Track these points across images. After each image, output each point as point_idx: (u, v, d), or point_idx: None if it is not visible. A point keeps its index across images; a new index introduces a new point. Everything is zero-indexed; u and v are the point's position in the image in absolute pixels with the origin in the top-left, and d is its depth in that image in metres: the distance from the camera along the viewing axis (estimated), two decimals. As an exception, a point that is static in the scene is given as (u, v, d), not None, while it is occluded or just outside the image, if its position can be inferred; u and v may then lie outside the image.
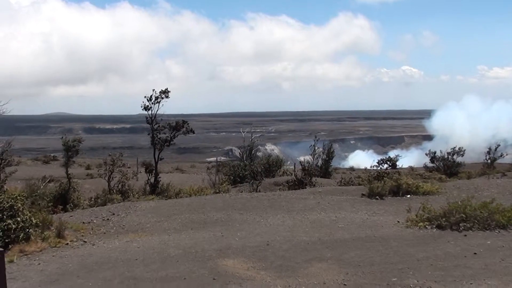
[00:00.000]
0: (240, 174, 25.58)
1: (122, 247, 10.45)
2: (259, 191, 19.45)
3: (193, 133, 21.20)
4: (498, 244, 9.53)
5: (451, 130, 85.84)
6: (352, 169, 44.72)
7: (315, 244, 10.12)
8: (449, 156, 34.26)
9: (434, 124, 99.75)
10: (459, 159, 33.83)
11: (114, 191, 18.37)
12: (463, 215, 10.80)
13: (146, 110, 20.05)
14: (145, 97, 19.92)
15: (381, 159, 25.91)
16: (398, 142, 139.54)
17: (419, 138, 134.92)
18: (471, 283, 7.23)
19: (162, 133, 20.87)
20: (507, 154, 35.30)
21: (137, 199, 17.13)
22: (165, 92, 19.89)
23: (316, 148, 28.73)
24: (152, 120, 20.27)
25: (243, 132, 28.50)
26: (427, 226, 11.04)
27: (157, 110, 20.13)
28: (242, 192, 19.24)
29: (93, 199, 17.35)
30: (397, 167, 39.18)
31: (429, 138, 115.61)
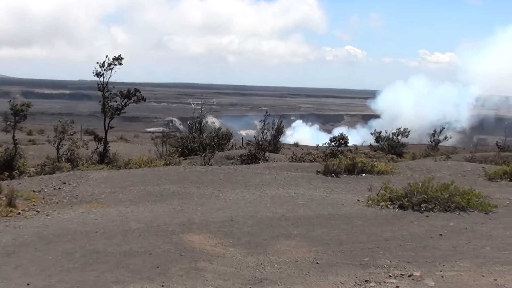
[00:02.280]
0: (189, 146, 25.21)
1: (79, 219, 10.01)
2: (211, 165, 19.16)
3: (144, 101, 20.64)
4: (461, 226, 9.60)
5: (397, 110, 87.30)
6: (296, 145, 44.91)
7: (279, 220, 9.96)
8: (394, 137, 34.83)
9: (381, 104, 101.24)
10: (403, 139, 34.44)
11: (63, 159, 17.69)
12: (425, 196, 10.86)
13: (98, 76, 19.34)
14: (97, 63, 19.21)
15: (333, 137, 25.94)
16: (338, 120, 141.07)
17: (359, 117, 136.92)
18: (443, 265, 7.20)
19: (113, 101, 20.21)
20: (451, 137, 36.16)
21: (86, 168, 16.55)
22: (118, 59, 19.20)
23: (265, 123, 28.59)
24: (104, 87, 19.58)
25: (193, 104, 28.00)
26: (389, 205, 11.03)
27: (109, 77, 19.45)
28: (194, 165, 18.89)
29: (40, 167, 16.64)
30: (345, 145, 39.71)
31: (368, 117, 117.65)
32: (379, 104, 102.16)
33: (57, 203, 11.58)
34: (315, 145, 35.99)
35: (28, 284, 6.56)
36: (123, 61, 19.26)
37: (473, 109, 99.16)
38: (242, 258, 7.62)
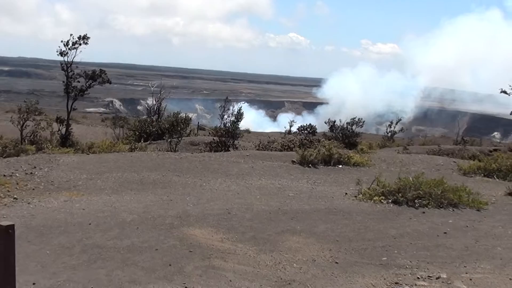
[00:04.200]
0: (147, 130, 24.48)
1: (65, 208, 9.36)
2: (177, 151, 18.58)
3: (110, 83, 19.81)
4: (461, 224, 9.50)
5: (344, 98, 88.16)
6: (248, 131, 44.53)
7: (277, 214, 9.61)
8: (348, 126, 34.88)
9: (327, 91, 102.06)
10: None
11: (26, 141, 16.75)
12: (420, 192, 10.74)
13: (61, 55, 18.37)
14: (61, 41, 18.24)
15: (301, 126, 25.71)
16: (279, 107, 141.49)
17: (299, 105, 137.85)
18: (464, 266, 7.04)
19: (76, 82, 19.29)
20: (415, 130, 36.62)
21: (51, 151, 15.71)
22: (84, 38, 18.30)
23: (225, 108, 28.05)
24: (68, 67, 18.62)
25: (152, 86, 27.18)
26: (382, 200, 10.86)
27: (74, 57, 18.50)
28: (160, 150, 18.24)
29: (1, 148, 15.67)
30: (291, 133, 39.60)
31: (309, 105, 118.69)
32: (325, 92, 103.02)
33: (33, 189, 10.84)
34: (268, 131, 35.92)
35: (34, 284, 5.99)
36: (88, 41, 18.35)
37: (418, 100, 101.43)
38: (256, 255, 7.23)
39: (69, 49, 18.39)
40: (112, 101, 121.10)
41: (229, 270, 6.61)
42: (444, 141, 40.43)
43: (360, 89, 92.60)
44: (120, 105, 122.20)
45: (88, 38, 18.26)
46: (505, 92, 22.76)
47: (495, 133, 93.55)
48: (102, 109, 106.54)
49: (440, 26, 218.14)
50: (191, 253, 7.20)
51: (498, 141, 69.18)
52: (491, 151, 25.37)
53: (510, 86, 22.45)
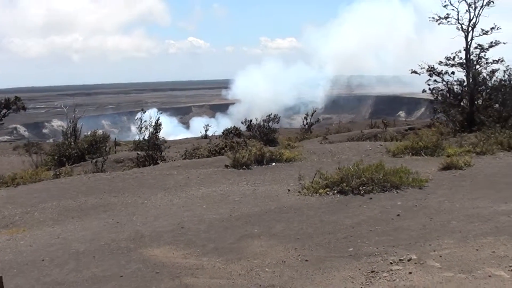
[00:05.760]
0: (67, 153, 23.59)
1: (10, 248, 8.79)
2: (104, 170, 18.02)
3: (25, 110, 18.94)
4: (410, 204, 9.77)
5: (254, 96, 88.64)
6: (164, 141, 43.87)
7: (230, 221, 9.50)
8: (265, 123, 35.12)
9: (236, 91, 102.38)
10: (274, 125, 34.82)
11: None
12: (363, 179, 10.94)
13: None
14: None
15: (225, 129, 25.56)
16: (186, 112, 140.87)
17: (206, 108, 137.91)
18: (429, 244, 7.21)
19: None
20: (323, 119, 37.29)
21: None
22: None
23: (142, 120, 27.59)
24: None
25: (65, 108, 26.26)
26: (328, 192, 10.98)
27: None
28: (86, 173, 17.60)
29: None
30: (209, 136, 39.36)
31: (217, 107, 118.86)
32: (235, 92, 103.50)
33: (-34, 231, 10.17)
34: (184, 138, 35.45)
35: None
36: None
37: (328, 89, 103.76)
38: (225, 266, 7.09)
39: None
40: (15, 128, 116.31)
41: (203, 286, 6.44)
42: (354, 127, 41.64)
43: (268, 84, 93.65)
44: (24, 131, 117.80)
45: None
46: (415, 72, 23.60)
47: (400, 112, 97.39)
48: (7, 137, 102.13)
49: (338, 15, 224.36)
50: (158, 274, 6.96)
51: (404, 119, 71.98)
52: (406, 130, 26.39)
53: (419, 65, 23.33)
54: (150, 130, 26.92)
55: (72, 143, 24.44)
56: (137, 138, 30.49)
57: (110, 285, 6.71)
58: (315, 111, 37.56)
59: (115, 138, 34.59)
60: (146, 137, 26.61)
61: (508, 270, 5.97)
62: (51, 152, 23.83)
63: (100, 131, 26.30)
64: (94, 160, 18.37)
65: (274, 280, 6.44)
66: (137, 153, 20.15)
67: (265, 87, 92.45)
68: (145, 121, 27.56)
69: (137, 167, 18.12)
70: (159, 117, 26.69)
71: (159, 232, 9.00)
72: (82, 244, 8.59)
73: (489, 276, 5.84)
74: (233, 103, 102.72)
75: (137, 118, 28.27)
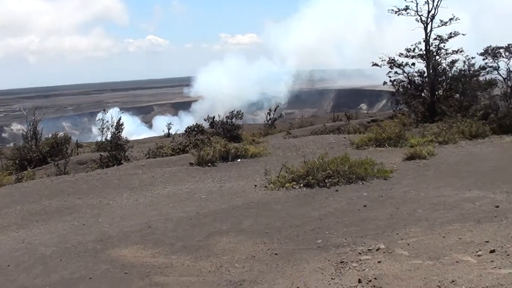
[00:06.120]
0: (28, 157, 23.21)
1: (-27, 254, 8.63)
2: (67, 172, 17.77)
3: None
4: (376, 195, 9.88)
5: (217, 92, 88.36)
6: (127, 141, 43.44)
7: (198, 218, 9.45)
8: (228, 120, 35.06)
9: (199, 88, 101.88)
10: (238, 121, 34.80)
11: None
12: (329, 171, 11.02)
13: None
14: None
15: (188, 126, 25.45)
16: (148, 111, 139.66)
17: (168, 106, 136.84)
18: (397, 233, 7.31)
19: None
20: (286, 114, 37.39)
21: None
22: None
23: (104, 121, 27.26)
24: None
25: (24, 111, 25.80)
26: (294, 186, 11.02)
27: None
28: (49, 176, 17.31)
29: None
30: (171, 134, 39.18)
31: (179, 105, 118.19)
32: (197, 89, 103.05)
33: None
34: (147, 137, 35.21)
35: None
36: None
37: (290, 84, 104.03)
38: (194, 264, 7.06)
39: None
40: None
41: (174, 284, 6.40)
42: (316, 120, 41.89)
43: (231, 80, 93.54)
44: (23, 133, 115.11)
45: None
46: (376, 64, 23.87)
47: (362, 104, 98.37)
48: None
49: (298, 9, 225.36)
50: (128, 274, 6.89)
51: (366, 112, 72.72)
52: (369, 122, 26.66)
53: (380, 57, 23.62)
54: (112, 131, 26.60)
55: (33, 146, 24.09)
56: (99, 139, 30.08)
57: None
58: (278, 106, 37.67)
59: (76, 140, 34.14)
60: (108, 138, 26.26)
61: (475, 255, 6.08)
62: (12, 157, 23.44)
63: (61, 133, 25.89)
64: (56, 163, 18.07)
65: (245, 275, 6.44)
66: (100, 154, 19.92)
67: (228, 83, 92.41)
68: (106, 121, 27.20)
69: (100, 168, 17.92)
70: (120, 117, 26.37)
71: (127, 232, 8.92)
72: (48, 248, 8.44)
73: (457, 262, 5.94)
74: (195, 101, 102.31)
75: (99, 118, 27.93)
